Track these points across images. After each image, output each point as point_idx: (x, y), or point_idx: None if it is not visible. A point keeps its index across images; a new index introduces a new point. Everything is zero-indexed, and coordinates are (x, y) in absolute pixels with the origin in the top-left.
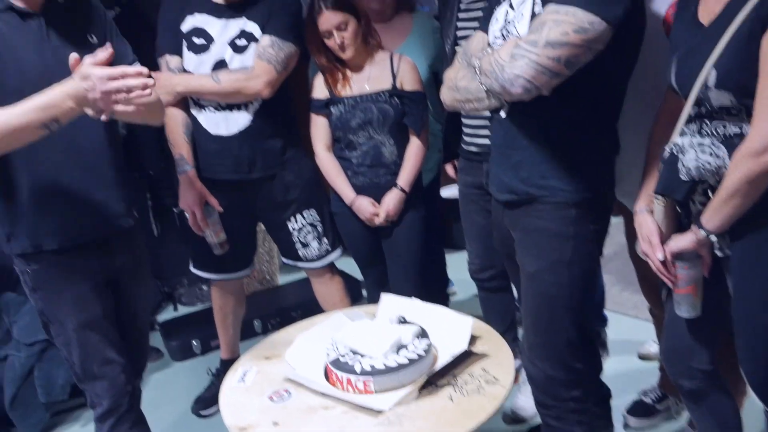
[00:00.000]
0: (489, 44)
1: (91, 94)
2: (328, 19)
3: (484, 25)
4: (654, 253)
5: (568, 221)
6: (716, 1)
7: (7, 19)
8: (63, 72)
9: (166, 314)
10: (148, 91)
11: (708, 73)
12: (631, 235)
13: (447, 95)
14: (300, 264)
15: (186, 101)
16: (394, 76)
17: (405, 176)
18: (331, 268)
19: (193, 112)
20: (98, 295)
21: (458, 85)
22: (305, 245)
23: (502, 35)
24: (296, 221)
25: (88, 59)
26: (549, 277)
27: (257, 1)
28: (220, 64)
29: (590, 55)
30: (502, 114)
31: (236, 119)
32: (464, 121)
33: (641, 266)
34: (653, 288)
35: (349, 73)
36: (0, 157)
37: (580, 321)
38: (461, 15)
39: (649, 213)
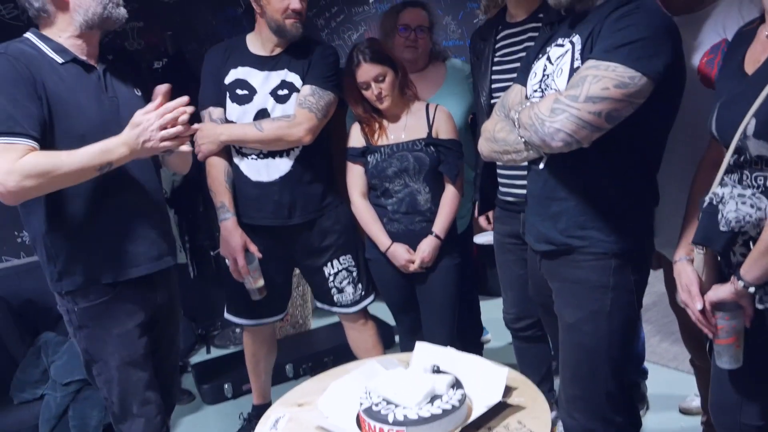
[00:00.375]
0: (527, 97)
1: (142, 138)
2: (367, 71)
3: (521, 77)
4: (693, 302)
5: (607, 272)
6: (762, 50)
7: (72, 70)
8: (118, 120)
9: (199, 356)
10: (194, 128)
11: (748, 122)
12: (671, 284)
13: (485, 146)
14: (334, 309)
15: (228, 150)
16: (429, 126)
17: (440, 223)
18: (365, 313)
19: (236, 160)
20: (141, 333)
21: (496, 137)
22: (340, 291)
23: (540, 89)
24: (332, 267)
25: (139, 111)
26: (588, 328)
27: (297, 53)
28: (262, 114)
29: (631, 109)
30: (541, 165)
31: (277, 166)
32: (500, 171)
33: (682, 316)
34: (695, 338)
35: (385, 123)
36: (64, 197)
37: (620, 373)
38: (495, 68)
39: (689, 262)
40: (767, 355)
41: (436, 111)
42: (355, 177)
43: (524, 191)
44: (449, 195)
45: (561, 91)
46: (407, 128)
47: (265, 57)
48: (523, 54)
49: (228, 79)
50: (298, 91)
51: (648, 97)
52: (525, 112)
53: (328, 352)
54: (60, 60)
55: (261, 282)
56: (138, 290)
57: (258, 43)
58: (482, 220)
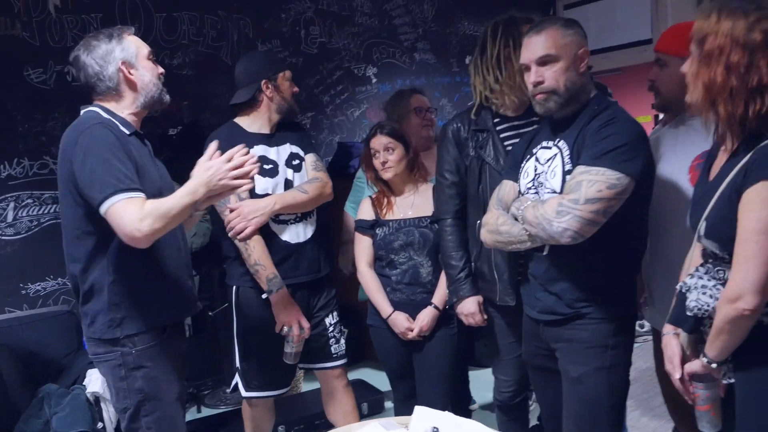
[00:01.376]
0: (520, 192)
1: (216, 177)
2: (379, 140)
3: (511, 174)
4: (674, 372)
5: (608, 333)
6: (719, 161)
7: (134, 141)
8: (168, 184)
9: (190, 415)
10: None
11: (700, 224)
12: (659, 354)
13: (489, 238)
14: (327, 364)
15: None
16: None
17: (440, 296)
18: (346, 372)
19: (274, 228)
20: (180, 373)
21: (500, 230)
22: (337, 341)
23: (534, 186)
24: (333, 317)
25: (203, 159)
26: (591, 381)
27: (287, 128)
28: (288, 183)
29: (620, 204)
30: (544, 252)
31: (306, 227)
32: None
33: (666, 383)
34: (679, 405)
35: (393, 198)
36: (126, 251)
37: (618, 422)
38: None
39: (674, 336)
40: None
41: None
42: (364, 247)
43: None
44: None
45: (559, 194)
46: (414, 206)
47: (269, 135)
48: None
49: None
50: (303, 159)
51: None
52: (529, 211)
53: (319, 416)
54: (127, 132)
55: (302, 345)
56: (176, 333)
57: (258, 123)
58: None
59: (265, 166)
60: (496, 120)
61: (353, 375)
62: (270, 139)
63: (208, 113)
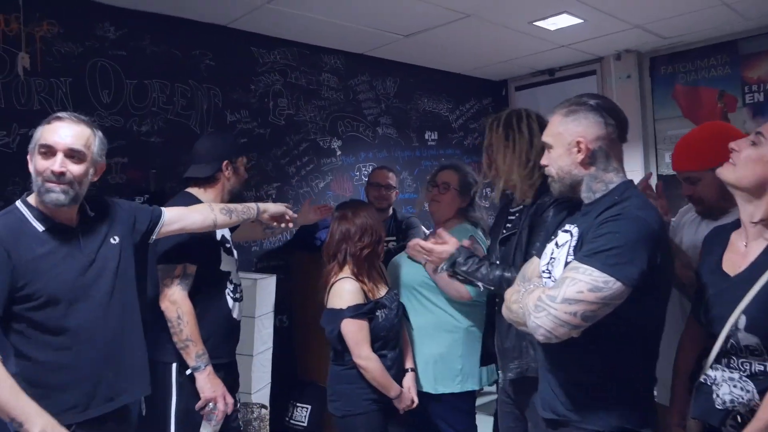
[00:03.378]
0: (540, 273)
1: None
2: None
3: (540, 251)
4: None
5: None
6: (741, 259)
7: (46, 238)
8: (95, 271)
9: None
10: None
11: (738, 317)
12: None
13: (504, 312)
14: None
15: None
16: None
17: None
18: None
19: (230, 305)
20: None
21: (511, 307)
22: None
23: (547, 270)
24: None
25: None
26: None
27: None
28: (237, 263)
29: (608, 309)
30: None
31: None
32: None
33: None
34: None
35: (373, 272)
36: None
37: None
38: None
39: (681, 429)
40: None
41: None
42: (366, 332)
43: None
44: None
45: (547, 287)
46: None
47: None
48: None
49: (218, 236)
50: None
51: (630, 298)
52: (525, 296)
53: None
54: (39, 227)
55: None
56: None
57: (210, 199)
58: None
59: (226, 245)
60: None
61: None
62: None
63: (175, 182)
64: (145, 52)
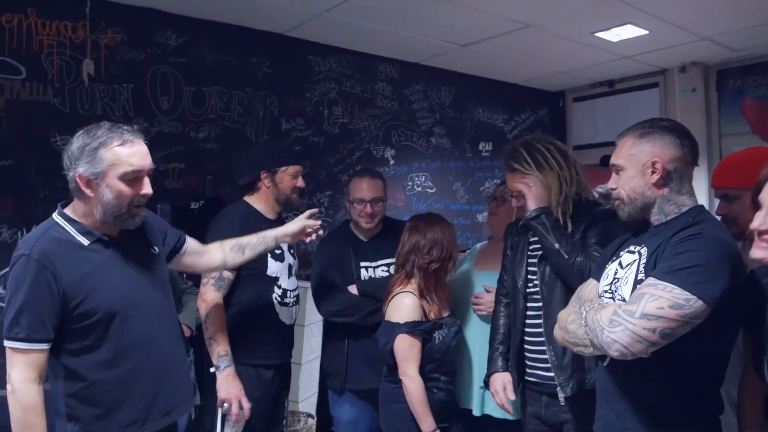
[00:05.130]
0: (600, 295)
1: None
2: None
3: (596, 273)
4: None
5: None
6: None
7: (97, 248)
8: (136, 292)
9: None
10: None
11: None
12: None
13: (559, 334)
14: None
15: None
16: None
17: None
18: None
19: (277, 309)
20: None
21: (568, 328)
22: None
23: (611, 290)
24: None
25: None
26: None
27: (283, 218)
28: (290, 268)
29: (687, 328)
30: (605, 363)
31: (297, 310)
32: (527, 353)
33: None
34: None
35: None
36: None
37: None
38: (530, 260)
39: None
40: None
41: None
42: (415, 351)
43: (544, 372)
44: None
45: (623, 302)
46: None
47: (273, 220)
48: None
49: None
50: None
51: (707, 318)
52: (591, 314)
53: None
54: (85, 242)
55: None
56: None
57: (261, 206)
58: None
59: (276, 251)
60: None
61: None
62: (274, 224)
63: (230, 188)
64: (204, 59)
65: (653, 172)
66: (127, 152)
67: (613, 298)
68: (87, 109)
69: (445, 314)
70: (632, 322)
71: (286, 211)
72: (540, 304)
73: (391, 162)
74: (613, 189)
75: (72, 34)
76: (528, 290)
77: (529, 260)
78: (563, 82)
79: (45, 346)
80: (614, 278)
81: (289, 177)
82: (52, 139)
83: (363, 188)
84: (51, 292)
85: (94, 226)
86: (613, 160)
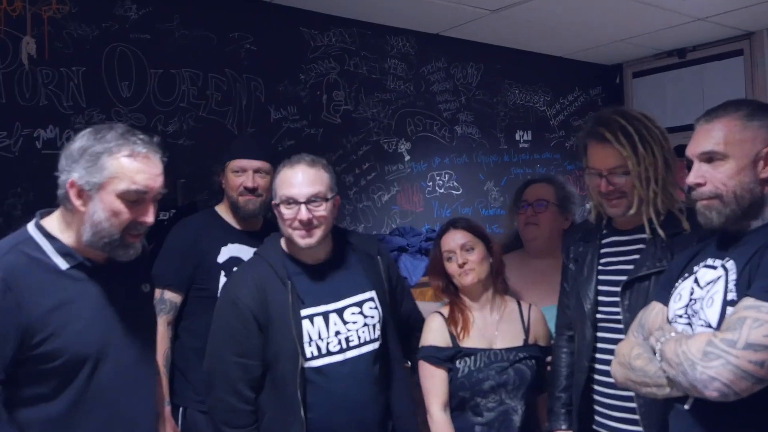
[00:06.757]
0: (669, 321)
1: None
2: (454, 237)
3: (661, 295)
4: None
5: None
6: None
7: (76, 275)
8: (126, 325)
9: None
10: None
11: None
12: None
13: (620, 372)
14: None
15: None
16: (526, 330)
17: None
18: None
19: None
20: None
21: (633, 365)
22: None
23: (687, 314)
24: None
25: None
26: None
27: (268, 229)
28: None
29: None
30: (686, 406)
31: None
32: (596, 396)
33: None
34: None
35: (472, 314)
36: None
37: None
38: (600, 277)
39: None
40: None
41: (531, 311)
42: (438, 384)
43: (618, 425)
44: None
45: (714, 330)
46: (501, 330)
47: (244, 232)
48: (628, 266)
49: (221, 258)
50: None
51: None
52: (670, 345)
53: None
54: (62, 266)
55: None
56: None
57: (230, 215)
58: None
59: (235, 269)
60: (604, 231)
61: None
62: (247, 238)
63: (207, 194)
64: (173, 35)
65: (766, 164)
66: (135, 167)
67: (690, 324)
68: (27, 98)
69: (485, 345)
70: (735, 354)
71: (246, 219)
72: (615, 335)
73: (407, 158)
74: (701, 184)
75: (7, 6)
76: (598, 316)
77: (599, 276)
78: (620, 52)
79: None
80: (690, 299)
81: (233, 174)
82: None
83: (295, 181)
84: (10, 323)
85: (76, 247)
86: (707, 147)
